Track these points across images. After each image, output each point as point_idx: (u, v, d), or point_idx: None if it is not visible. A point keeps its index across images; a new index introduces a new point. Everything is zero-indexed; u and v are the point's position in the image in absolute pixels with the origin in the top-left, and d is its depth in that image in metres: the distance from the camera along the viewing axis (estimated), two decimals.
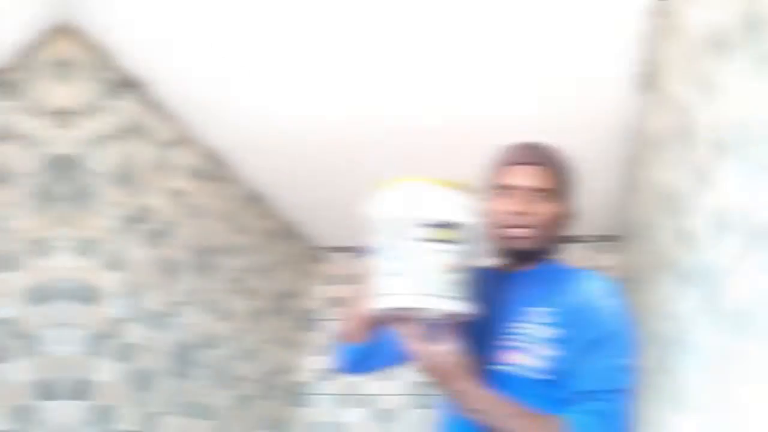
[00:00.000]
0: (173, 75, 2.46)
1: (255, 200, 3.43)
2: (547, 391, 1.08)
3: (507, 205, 1.22)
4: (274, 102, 2.59)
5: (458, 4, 1.98)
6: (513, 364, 1.10)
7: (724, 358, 1.38)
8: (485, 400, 0.98)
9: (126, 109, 2.43)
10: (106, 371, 2.23)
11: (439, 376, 0.98)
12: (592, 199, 3.33)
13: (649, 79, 2.20)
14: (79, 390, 2.11)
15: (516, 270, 1.26)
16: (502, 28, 2.07)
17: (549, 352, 1.09)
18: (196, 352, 2.82)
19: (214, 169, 3.03)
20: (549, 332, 1.10)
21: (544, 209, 1.21)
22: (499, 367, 1.11)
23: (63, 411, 2.06)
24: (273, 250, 3.65)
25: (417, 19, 2.06)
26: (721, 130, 1.30)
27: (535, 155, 1.27)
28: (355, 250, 4.22)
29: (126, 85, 2.44)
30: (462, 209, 1.01)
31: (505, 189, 1.25)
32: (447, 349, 0.97)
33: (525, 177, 1.23)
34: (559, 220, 1.26)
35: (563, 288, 1.16)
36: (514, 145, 1.32)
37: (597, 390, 1.03)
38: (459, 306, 0.96)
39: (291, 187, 3.40)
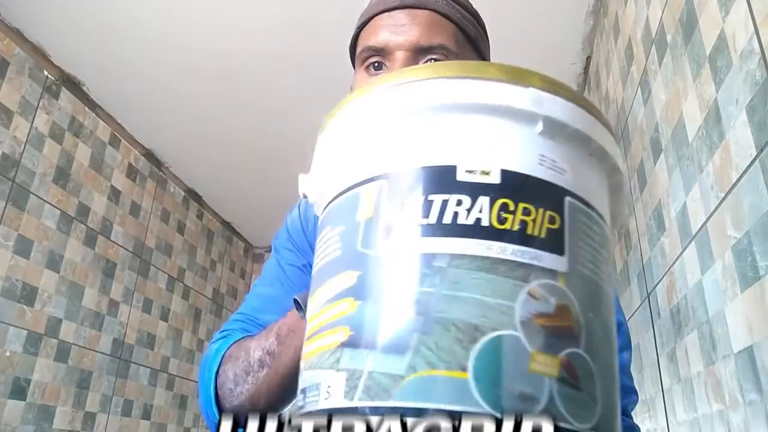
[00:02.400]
0: (108, 74, 2.36)
1: (192, 200, 3.40)
2: None
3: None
4: (211, 101, 2.50)
5: None
6: None
7: (660, 358, 1.39)
8: None
9: (62, 108, 2.37)
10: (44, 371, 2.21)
11: None
12: None
13: (589, 78, 2.22)
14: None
15: None
16: None
17: None
18: (135, 351, 2.78)
19: (152, 169, 2.98)
20: None
21: None
22: None
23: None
24: (211, 250, 3.61)
25: None
26: (656, 129, 1.31)
27: None
28: None
29: (62, 84, 2.36)
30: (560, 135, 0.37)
31: (374, 54, 0.72)
32: None
33: (403, 29, 0.71)
34: None
35: None
36: None
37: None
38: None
39: (228, 187, 3.33)
